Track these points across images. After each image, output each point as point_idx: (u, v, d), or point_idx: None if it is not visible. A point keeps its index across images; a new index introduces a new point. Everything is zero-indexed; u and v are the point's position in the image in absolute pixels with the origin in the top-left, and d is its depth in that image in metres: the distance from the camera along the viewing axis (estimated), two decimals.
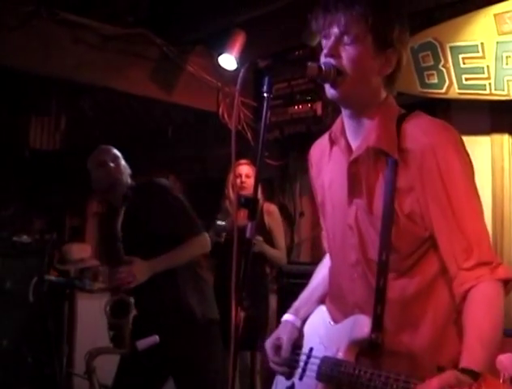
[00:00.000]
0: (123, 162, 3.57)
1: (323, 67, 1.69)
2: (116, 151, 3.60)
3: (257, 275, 4.66)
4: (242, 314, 1.60)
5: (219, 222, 4.64)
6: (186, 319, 3.31)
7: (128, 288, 3.22)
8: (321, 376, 1.82)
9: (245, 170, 4.86)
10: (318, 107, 5.32)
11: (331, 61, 1.70)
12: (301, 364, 1.94)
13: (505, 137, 4.36)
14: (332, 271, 1.97)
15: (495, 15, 4.05)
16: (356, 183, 1.78)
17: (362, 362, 1.72)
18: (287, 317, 2.05)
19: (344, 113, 1.82)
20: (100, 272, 5.54)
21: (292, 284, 4.57)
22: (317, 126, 5.21)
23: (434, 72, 4.36)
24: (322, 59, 1.72)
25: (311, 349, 1.93)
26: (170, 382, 3.43)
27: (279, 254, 4.85)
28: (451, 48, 4.28)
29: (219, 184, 5.00)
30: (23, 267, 4.73)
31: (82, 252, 5.69)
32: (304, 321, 2.03)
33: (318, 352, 1.88)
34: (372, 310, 1.73)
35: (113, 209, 3.48)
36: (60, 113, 6.18)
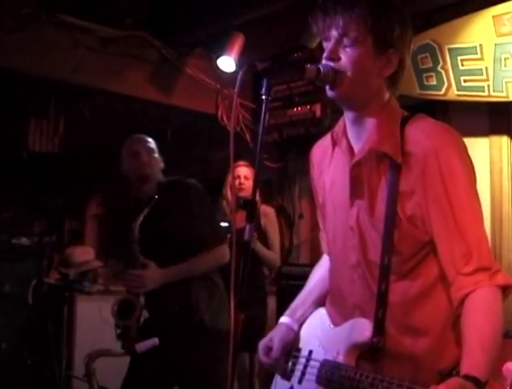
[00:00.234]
0: (157, 155, 3.51)
1: (322, 69, 1.69)
2: (151, 143, 3.53)
3: (255, 277, 4.66)
4: (241, 316, 1.60)
5: (222, 223, 4.65)
6: (195, 327, 3.25)
7: (135, 293, 3.21)
8: (321, 380, 1.80)
9: (244, 172, 4.86)
10: (317, 109, 5.31)
11: (330, 63, 1.70)
12: (300, 367, 1.93)
13: (504, 139, 4.36)
14: (332, 273, 1.96)
15: (493, 17, 4.05)
16: (358, 185, 1.78)
17: (362, 366, 1.72)
18: (282, 319, 2.05)
19: (346, 113, 1.82)
20: (100, 274, 5.55)
21: (291, 285, 4.55)
22: (316, 128, 5.20)
23: (433, 74, 4.37)
24: (323, 62, 1.72)
25: (310, 352, 1.92)
26: None
27: (272, 255, 4.85)
28: (450, 50, 4.28)
29: (218, 186, 5.00)
30: (23, 270, 4.73)
31: (85, 254, 5.67)
32: (301, 323, 2.02)
33: (318, 356, 1.87)
34: (372, 313, 1.73)
35: (132, 208, 3.44)
36: (59, 115, 6.17)
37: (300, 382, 1.91)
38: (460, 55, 4.23)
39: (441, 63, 4.32)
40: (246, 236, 1.62)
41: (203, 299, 3.31)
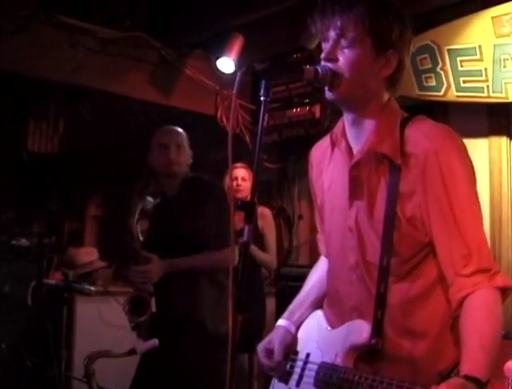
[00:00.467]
0: (187, 150, 3.47)
1: (319, 70, 1.69)
2: (182, 136, 3.49)
3: (253, 278, 4.66)
4: (239, 318, 1.60)
5: None
6: (196, 330, 3.27)
7: (145, 288, 3.23)
8: (319, 382, 1.79)
9: (241, 173, 4.87)
10: (317, 110, 5.32)
11: (328, 64, 1.70)
12: (298, 370, 1.91)
13: (503, 139, 4.37)
14: (330, 275, 1.96)
15: (492, 18, 4.05)
16: (357, 186, 1.78)
17: (360, 368, 1.71)
18: (280, 322, 2.04)
19: (345, 114, 1.82)
20: (100, 275, 5.55)
21: (290, 286, 4.57)
22: (316, 129, 5.21)
23: (432, 75, 4.37)
24: (321, 63, 1.72)
25: (308, 355, 1.91)
26: None
27: (267, 257, 4.85)
28: (449, 50, 4.29)
29: None
30: (22, 271, 4.72)
31: (89, 255, 5.72)
32: (298, 326, 2.02)
33: (315, 358, 1.86)
34: (371, 314, 1.72)
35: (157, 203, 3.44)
36: (58, 116, 6.16)
37: (297, 385, 1.90)
38: (459, 56, 4.24)
39: (441, 64, 4.32)
40: (245, 237, 1.62)
41: (209, 302, 3.30)
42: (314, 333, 1.94)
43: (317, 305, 2.02)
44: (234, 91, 1.71)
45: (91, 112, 6.11)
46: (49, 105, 6.00)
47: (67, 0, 4.84)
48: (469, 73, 4.20)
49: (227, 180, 4.77)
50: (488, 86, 4.12)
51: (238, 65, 5.13)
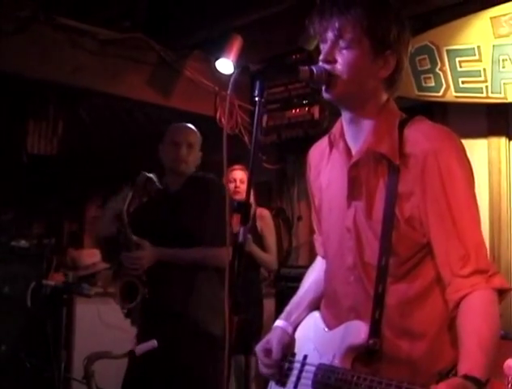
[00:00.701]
0: (197, 150, 3.49)
1: (315, 71, 1.69)
2: (195, 136, 3.50)
3: (251, 279, 4.66)
4: (236, 319, 1.60)
5: None
6: (187, 328, 3.28)
7: (135, 274, 3.25)
8: (317, 384, 1.79)
9: (239, 175, 4.86)
10: (316, 111, 5.32)
11: (325, 65, 1.71)
12: (295, 372, 1.90)
13: (502, 140, 4.37)
14: (327, 276, 1.95)
15: (491, 18, 4.06)
16: (355, 186, 1.78)
17: (358, 369, 1.70)
18: (277, 323, 2.03)
19: (344, 115, 1.82)
20: (99, 277, 5.56)
21: (289, 287, 4.56)
22: (315, 130, 5.21)
23: (431, 75, 4.38)
24: (319, 64, 1.73)
25: (305, 357, 1.90)
26: None
27: (268, 257, 4.85)
28: (448, 51, 4.29)
29: None
30: (21, 272, 4.72)
31: (92, 257, 5.77)
32: (295, 326, 2.01)
33: (313, 360, 1.85)
34: (368, 315, 1.72)
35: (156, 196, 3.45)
36: (57, 117, 6.17)
37: (295, 387, 1.89)
38: (458, 57, 4.24)
39: (440, 65, 4.33)
40: (240, 238, 1.62)
41: (204, 300, 3.33)
42: (311, 334, 1.93)
43: (315, 305, 2.02)
44: (229, 91, 1.71)
45: (90, 113, 6.11)
46: (49, 106, 6.01)
47: (67, 1, 4.84)
48: (468, 73, 4.20)
49: (223, 181, 4.76)
50: (486, 86, 4.12)
51: (237, 66, 5.13)
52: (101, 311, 4.77)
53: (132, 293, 3.25)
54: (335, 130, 1.88)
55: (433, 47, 4.33)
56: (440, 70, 4.33)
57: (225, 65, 5.20)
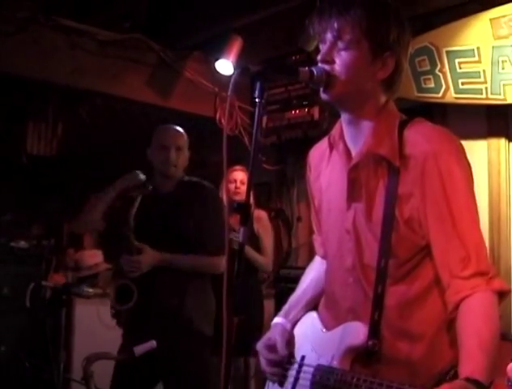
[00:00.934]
0: (185, 152, 3.48)
1: (315, 72, 1.69)
2: (182, 138, 3.49)
3: (250, 281, 4.65)
4: (235, 320, 1.60)
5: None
6: (182, 328, 3.31)
7: (131, 277, 3.26)
8: (315, 385, 1.78)
9: (240, 176, 4.86)
10: (315, 112, 5.31)
11: (324, 66, 1.71)
12: (293, 373, 1.89)
13: (502, 141, 4.37)
14: (327, 277, 1.95)
15: (491, 20, 4.05)
16: (355, 188, 1.78)
17: (357, 370, 1.70)
18: (276, 319, 2.04)
19: (343, 116, 1.82)
20: (99, 277, 5.57)
21: (289, 288, 4.52)
22: (315, 131, 5.20)
23: (431, 77, 4.37)
24: (318, 64, 1.73)
25: (303, 357, 1.89)
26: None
27: (262, 259, 4.83)
28: (448, 52, 4.29)
29: (218, 189, 5.01)
30: (21, 273, 4.72)
31: (94, 257, 5.85)
32: (293, 324, 2.01)
33: (311, 361, 1.84)
34: (367, 316, 1.72)
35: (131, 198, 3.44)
36: (57, 118, 6.18)
37: (293, 387, 1.88)
38: (458, 58, 4.24)
39: (439, 66, 4.32)
40: (240, 238, 1.62)
41: (197, 300, 3.35)
42: (309, 335, 1.93)
43: (312, 304, 2.02)
44: (229, 92, 1.71)
45: (89, 114, 6.12)
46: (48, 107, 6.01)
47: (66, 2, 4.84)
48: (467, 75, 4.20)
49: (223, 182, 4.76)
50: (486, 88, 4.12)
51: (237, 67, 5.13)
52: (101, 312, 4.76)
53: (126, 295, 3.26)
54: (335, 131, 1.88)
55: (433, 48, 4.33)
56: (439, 71, 4.32)
57: (225, 66, 5.20)
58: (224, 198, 4.75)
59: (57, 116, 6.14)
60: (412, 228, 1.69)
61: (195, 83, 5.55)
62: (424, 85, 4.41)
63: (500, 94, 4.07)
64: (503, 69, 4.03)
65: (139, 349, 2.95)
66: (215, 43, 5.18)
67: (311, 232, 2.17)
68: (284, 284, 4.74)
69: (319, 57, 1.73)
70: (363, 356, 1.71)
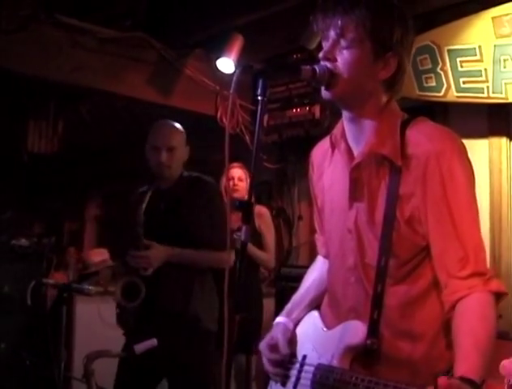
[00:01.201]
0: (180, 151, 3.39)
1: (317, 70, 1.69)
2: (175, 137, 3.41)
3: (251, 278, 4.65)
4: (237, 317, 1.60)
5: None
6: (189, 326, 3.29)
7: (143, 274, 3.22)
8: (316, 385, 1.78)
9: (238, 173, 4.86)
10: (317, 110, 5.32)
11: (326, 64, 1.70)
12: (295, 372, 1.90)
13: (503, 140, 4.37)
14: (329, 276, 1.96)
15: (493, 18, 4.05)
16: (357, 187, 1.78)
17: (357, 370, 1.70)
18: (279, 319, 2.03)
19: (344, 115, 1.81)
20: (100, 275, 5.59)
21: (290, 287, 4.56)
22: (316, 130, 5.21)
23: (432, 75, 4.37)
24: (320, 62, 1.72)
25: (304, 357, 1.89)
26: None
27: (265, 256, 4.83)
28: (449, 51, 4.29)
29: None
30: (22, 271, 4.72)
31: (101, 255, 6.01)
32: (295, 324, 2.01)
33: (312, 360, 1.84)
34: (368, 315, 1.72)
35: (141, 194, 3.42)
36: (58, 116, 6.17)
37: (294, 387, 1.88)
38: (459, 56, 4.24)
39: (441, 65, 4.32)
40: (243, 237, 1.62)
41: (203, 301, 3.34)
42: (310, 334, 1.93)
43: (315, 304, 2.02)
44: (231, 90, 1.71)
45: (90, 112, 6.11)
46: (49, 105, 6.01)
47: (67, 0, 4.84)
48: (469, 73, 4.20)
49: (223, 180, 4.76)
50: (488, 86, 4.11)
51: (238, 65, 5.13)
52: (101, 310, 4.76)
53: (133, 293, 3.23)
54: (336, 130, 1.88)
55: (435, 47, 4.33)
56: (441, 69, 4.32)
57: (226, 64, 5.20)
58: (225, 196, 4.76)
59: (58, 114, 6.13)
60: (413, 228, 1.69)
61: (196, 81, 5.55)
62: (425, 84, 4.41)
63: (501, 93, 4.07)
64: (505, 68, 4.03)
65: (140, 347, 2.95)
66: (216, 41, 5.18)
67: (312, 231, 2.17)
68: (285, 283, 4.74)
69: (321, 54, 1.72)
70: (363, 356, 1.71)
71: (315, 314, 1.97)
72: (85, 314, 4.88)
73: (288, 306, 2.07)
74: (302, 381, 1.85)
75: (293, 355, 1.94)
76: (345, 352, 1.73)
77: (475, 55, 4.15)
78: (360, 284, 1.77)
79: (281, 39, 5.13)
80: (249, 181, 4.16)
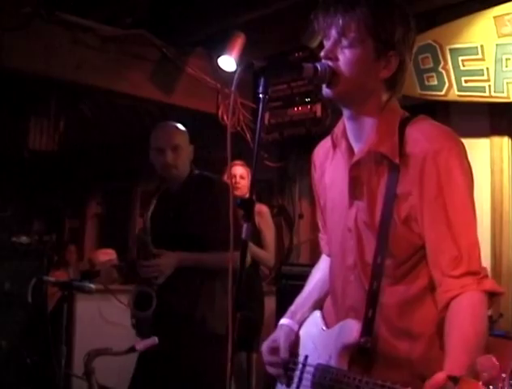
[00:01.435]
0: (185, 150, 3.33)
1: (319, 68, 1.68)
2: (179, 136, 3.36)
3: (251, 276, 4.65)
4: (238, 315, 1.60)
5: None
6: (196, 327, 3.25)
7: (155, 283, 3.18)
8: (315, 385, 1.78)
9: (239, 171, 4.85)
10: (318, 109, 5.32)
11: (328, 62, 1.70)
12: (298, 372, 1.89)
13: (505, 139, 4.37)
14: (331, 275, 1.95)
15: (495, 18, 4.05)
16: (357, 186, 1.77)
17: (355, 370, 1.69)
18: (283, 321, 2.02)
19: (344, 113, 1.81)
20: (102, 274, 5.60)
21: (290, 285, 4.57)
22: (317, 128, 5.21)
23: (434, 74, 4.37)
24: (321, 61, 1.72)
25: (306, 357, 1.89)
26: None
27: (264, 254, 4.82)
28: (451, 50, 4.28)
29: None
30: (22, 268, 4.72)
31: (108, 254, 6.13)
32: (300, 325, 2.00)
33: (313, 360, 1.84)
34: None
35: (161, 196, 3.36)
36: (59, 114, 6.17)
37: (297, 387, 1.88)
38: (461, 55, 4.23)
39: (442, 63, 4.32)
40: (244, 235, 1.62)
41: (209, 299, 3.29)
42: (312, 334, 1.93)
43: (319, 305, 2.01)
44: (233, 88, 1.71)
45: (91, 110, 6.12)
46: (50, 103, 6.01)
47: None
48: (471, 72, 4.19)
49: (225, 178, 4.76)
50: (489, 85, 4.11)
51: (239, 63, 5.13)
52: (102, 308, 4.77)
53: (144, 302, 3.18)
54: (337, 129, 1.87)
55: (436, 46, 4.32)
56: (443, 68, 4.32)
57: (227, 62, 5.20)
58: None
59: (59, 111, 6.13)
60: (410, 227, 1.69)
61: (197, 79, 5.55)
62: (427, 83, 4.40)
63: (503, 92, 4.06)
64: (506, 67, 4.03)
65: (140, 345, 2.95)
66: (217, 39, 5.18)
67: (313, 229, 2.17)
68: (286, 281, 4.74)
69: (322, 53, 1.72)
70: (360, 356, 1.71)
71: (317, 313, 1.97)
72: (86, 312, 4.88)
73: (292, 308, 2.06)
74: (304, 382, 1.85)
75: (296, 355, 1.94)
76: (342, 352, 1.73)
77: (477, 54, 4.14)
78: (359, 283, 1.77)
79: (282, 37, 5.13)
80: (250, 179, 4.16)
